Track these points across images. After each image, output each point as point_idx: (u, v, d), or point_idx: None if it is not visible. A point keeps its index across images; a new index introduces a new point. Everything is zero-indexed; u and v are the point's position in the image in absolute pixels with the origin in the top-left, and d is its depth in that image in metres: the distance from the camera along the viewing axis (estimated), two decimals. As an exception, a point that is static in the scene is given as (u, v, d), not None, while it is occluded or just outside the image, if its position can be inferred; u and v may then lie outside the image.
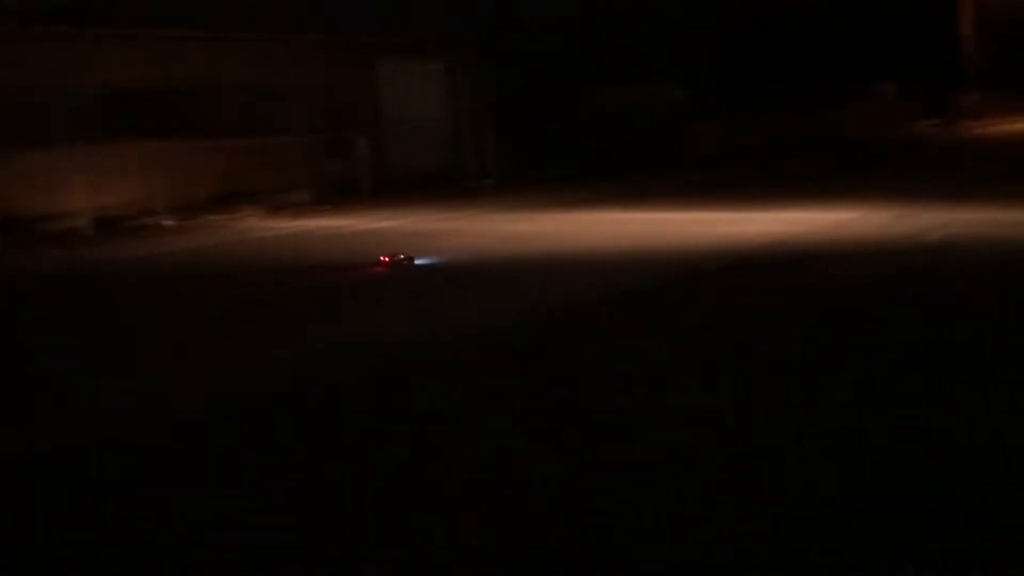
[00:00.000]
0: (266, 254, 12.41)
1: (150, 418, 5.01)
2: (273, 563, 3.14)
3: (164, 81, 18.88)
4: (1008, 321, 5.98)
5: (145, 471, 4.18)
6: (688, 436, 4.24)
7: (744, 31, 34.27)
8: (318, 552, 3.20)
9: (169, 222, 16.05)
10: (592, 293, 7.73)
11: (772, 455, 3.93)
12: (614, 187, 19.34)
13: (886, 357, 5.37)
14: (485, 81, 25.37)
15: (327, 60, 22.33)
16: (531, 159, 24.14)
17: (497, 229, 13.32)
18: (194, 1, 19.81)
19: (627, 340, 6.26)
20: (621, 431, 4.38)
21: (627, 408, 4.73)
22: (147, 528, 3.49)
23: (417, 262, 9.92)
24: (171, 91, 18.85)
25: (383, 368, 5.78)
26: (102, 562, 3.22)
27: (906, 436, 4.04)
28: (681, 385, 5.08)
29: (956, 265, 7.98)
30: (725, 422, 4.42)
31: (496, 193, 20.35)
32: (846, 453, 3.89)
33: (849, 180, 18.09)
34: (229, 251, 12.97)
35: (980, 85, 48.52)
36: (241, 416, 4.97)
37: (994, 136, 33.66)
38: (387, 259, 9.92)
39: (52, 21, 17.40)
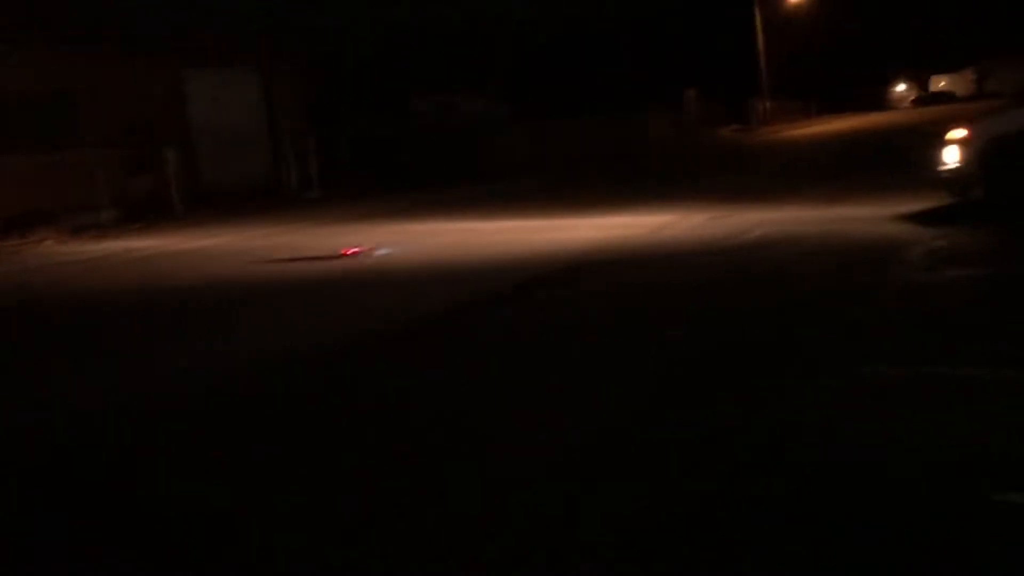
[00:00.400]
0: (66, 283, 11.58)
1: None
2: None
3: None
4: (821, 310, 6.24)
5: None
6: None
7: (555, 44, 35.04)
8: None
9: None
10: (419, 307, 7.57)
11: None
12: (438, 197, 19.28)
13: (718, 357, 5.46)
14: (303, 90, 24.81)
15: (130, 70, 21.20)
16: (354, 170, 23.77)
17: (321, 244, 12.96)
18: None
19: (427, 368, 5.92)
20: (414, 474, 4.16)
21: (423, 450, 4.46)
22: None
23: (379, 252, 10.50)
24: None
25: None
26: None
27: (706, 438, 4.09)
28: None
29: (778, 261, 8.28)
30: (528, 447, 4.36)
31: (320, 206, 19.89)
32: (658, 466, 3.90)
33: (661, 185, 18.71)
34: (24, 281, 12.07)
35: (772, 93, 51.52)
36: None
37: (788, 139, 35.78)
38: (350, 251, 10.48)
39: None
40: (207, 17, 22.25)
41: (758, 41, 50.01)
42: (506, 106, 30.35)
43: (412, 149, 26.06)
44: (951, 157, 9.60)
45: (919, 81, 74.13)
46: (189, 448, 4.56)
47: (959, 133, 9.62)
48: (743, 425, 4.14)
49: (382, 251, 10.78)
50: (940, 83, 73.64)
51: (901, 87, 76.03)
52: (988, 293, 6.40)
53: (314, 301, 8.51)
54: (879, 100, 68.96)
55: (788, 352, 5.29)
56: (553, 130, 29.05)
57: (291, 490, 3.91)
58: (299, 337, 6.81)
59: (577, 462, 3.97)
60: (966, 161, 9.44)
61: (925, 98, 68.94)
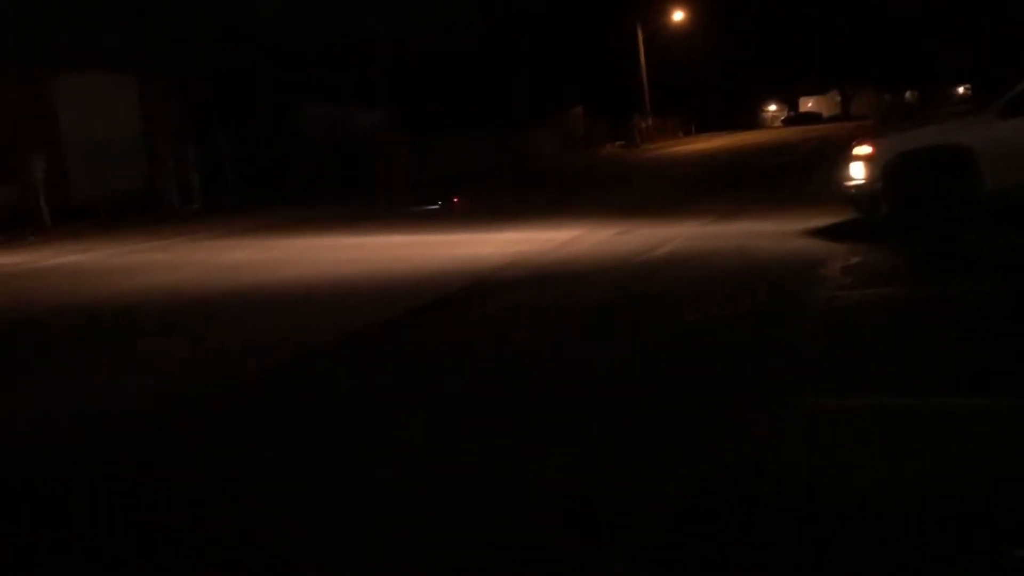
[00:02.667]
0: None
1: None
2: None
3: None
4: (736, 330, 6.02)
5: None
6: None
7: (445, 57, 34.73)
8: None
9: None
10: (308, 334, 7.04)
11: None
12: (326, 211, 18.64)
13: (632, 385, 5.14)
14: (184, 100, 23.74)
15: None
16: (239, 183, 22.85)
17: (204, 260, 12.23)
18: None
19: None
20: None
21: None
22: None
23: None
24: None
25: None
26: None
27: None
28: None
29: (694, 280, 8.07)
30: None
31: (201, 219, 18.97)
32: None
33: (555, 200, 18.56)
34: None
35: (654, 111, 52.48)
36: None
37: (673, 156, 36.35)
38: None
39: None
40: (79, 21, 21.07)
41: (640, 61, 50.83)
42: (396, 119, 29.82)
43: (300, 162, 25.28)
44: (857, 173, 9.63)
45: (788, 102, 77.07)
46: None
47: (864, 149, 9.66)
48: (699, 470, 3.78)
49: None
50: (808, 104, 76.79)
51: (772, 107, 78.94)
52: (915, 315, 6.28)
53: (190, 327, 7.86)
54: (752, 119, 71.33)
55: (728, 383, 4.96)
56: (445, 144, 28.70)
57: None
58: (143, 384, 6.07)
59: (509, 529, 3.57)
60: (871, 177, 9.48)
61: (794, 118, 71.68)
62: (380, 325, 7.08)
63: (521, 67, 39.12)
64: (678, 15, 54.42)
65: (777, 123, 72.53)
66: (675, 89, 57.12)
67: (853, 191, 9.73)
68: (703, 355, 5.57)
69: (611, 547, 3.16)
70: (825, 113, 71.47)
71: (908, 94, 60.15)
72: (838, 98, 72.52)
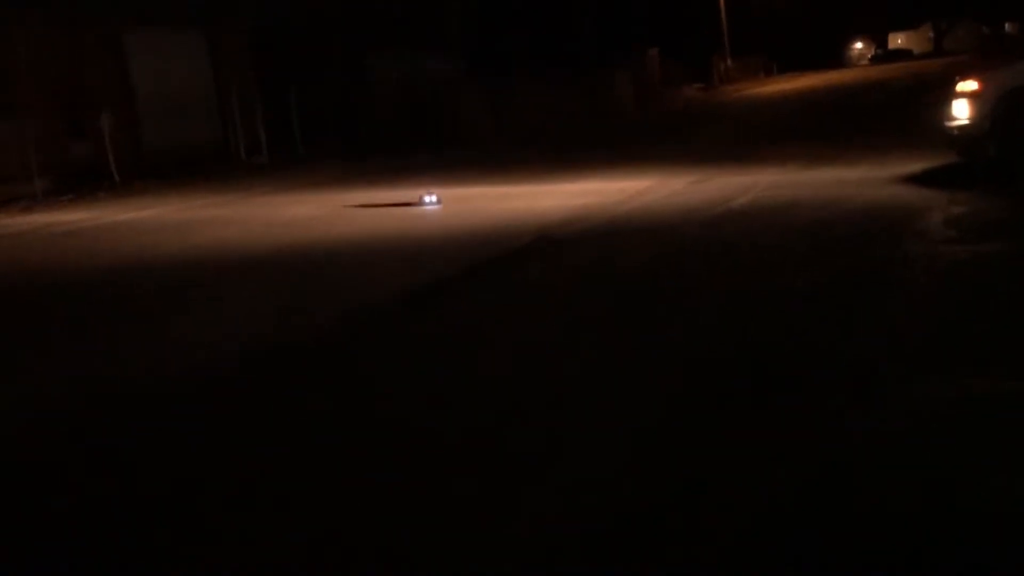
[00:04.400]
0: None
1: None
2: None
3: None
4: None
5: None
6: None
7: (514, 1, 33.81)
8: None
9: None
10: (377, 292, 6.58)
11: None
12: (394, 162, 18.17)
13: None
14: (252, 53, 23.42)
15: (65, 31, 19.72)
16: (305, 134, 22.51)
17: (271, 215, 11.88)
18: None
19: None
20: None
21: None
22: None
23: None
24: None
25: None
26: None
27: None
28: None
29: (775, 235, 7.36)
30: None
31: (269, 172, 18.68)
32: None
33: (631, 147, 17.75)
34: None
35: (737, 50, 50.70)
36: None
37: (754, 97, 34.91)
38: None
39: None
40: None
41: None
42: (465, 63, 29.08)
43: (368, 114, 24.81)
44: (961, 112, 8.72)
45: (876, 39, 73.70)
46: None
47: (970, 86, 8.73)
48: (781, 482, 3.18)
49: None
50: (897, 40, 73.34)
51: (859, 45, 75.63)
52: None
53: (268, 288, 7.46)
54: (838, 58, 68.44)
55: (816, 367, 4.27)
56: (515, 90, 27.88)
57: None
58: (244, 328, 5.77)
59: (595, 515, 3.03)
60: (978, 117, 8.56)
61: (883, 55, 68.56)
62: (443, 281, 6.61)
63: (592, 8, 37.93)
64: (760, -51, 52.22)
65: (864, 61, 69.52)
66: (756, 28, 55.10)
67: (956, 132, 8.82)
68: (784, 329, 4.89)
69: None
70: (916, 50, 68.24)
71: (1008, 26, 56.96)
72: (930, 33, 69.17)
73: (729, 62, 50.18)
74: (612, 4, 39.60)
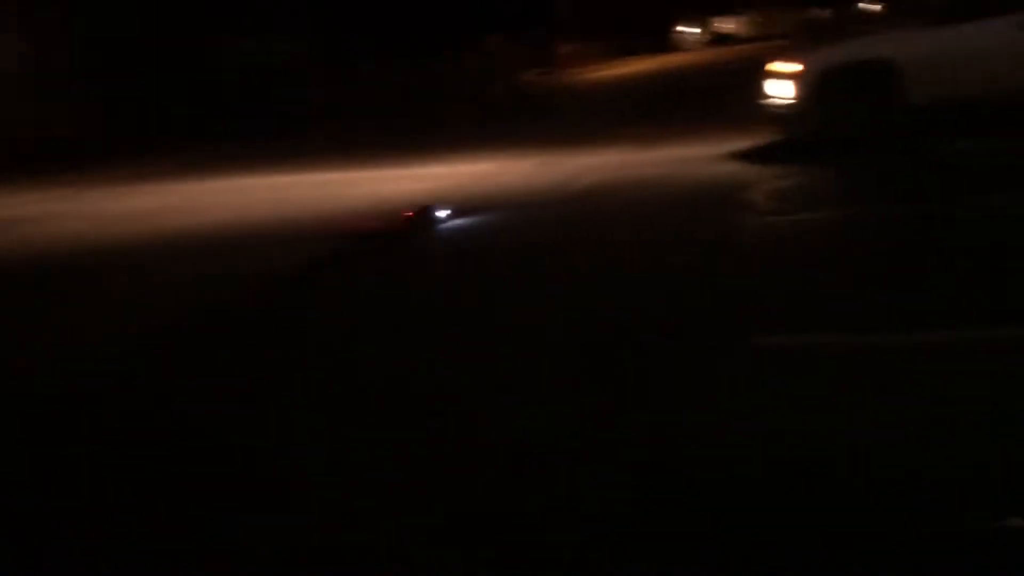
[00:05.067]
0: None
1: None
2: None
3: None
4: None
5: None
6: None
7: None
8: None
9: None
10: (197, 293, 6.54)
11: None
12: (235, 149, 17.79)
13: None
14: (77, 32, 22.28)
15: None
16: (140, 119, 21.67)
17: (104, 209, 11.48)
18: None
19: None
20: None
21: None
22: None
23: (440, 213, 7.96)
24: None
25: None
26: None
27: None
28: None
29: (623, 211, 7.71)
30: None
31: (102, 161, 17.95)
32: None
33: (477, 131, 17.96)
34: None
35: (576, 34, 51.65)
36: None
37: (595, 81, 35.72)
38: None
39: None
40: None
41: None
42: (313, 47, 28.59)
43: (213, 96, 24.10)
44: (781, 91, 9.29)
45: (703, 22, 76.56)
46: None
47: (789, 66, 9.31)
48: (641, 423, 3.46)
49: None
50: (726, 24, 76.38)
51: (691, 28, 78.41)
52: (847, 239, 6.01)
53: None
54: (673, 41, 70.74)
55: (669, 322, 4.63)
56: (362, 75, 27.65)
57: None
58: None
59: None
60: (800, 95, 9.15)
61: (714, 39, 71.23)
62: (285, 274, 6.61)
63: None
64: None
65: (697, 45, 72.13)
66: (596, 13, 56.30)
67: (778, 110, 9.40)
68: (633, 295, 5.22)
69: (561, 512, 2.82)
70: (743, 33, 71.21)
71: (820, 11, 60.17)
72: (758, 17, 72.35)
73: (570, 46, 51.10)
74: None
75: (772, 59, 9.72)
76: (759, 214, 6.82)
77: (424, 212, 7.91)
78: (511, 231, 7.40)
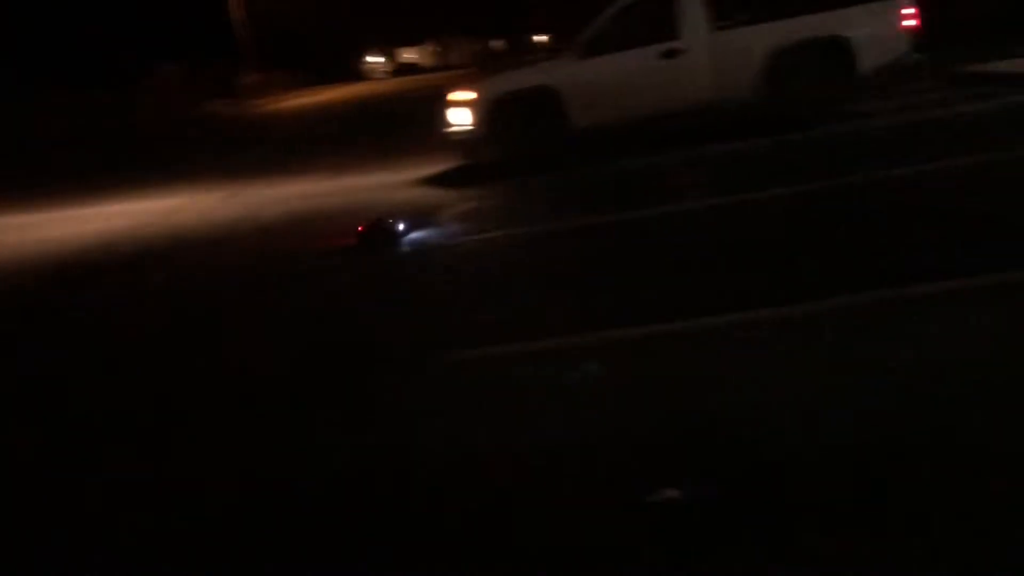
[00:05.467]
0: None
1: None
2: None
3: None
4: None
5: None
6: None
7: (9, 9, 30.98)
8: None
9: None
10: None
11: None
12: None
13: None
14: None
15: None
16: None
17: None
18: None
19: None
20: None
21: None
22: None
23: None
24: None
25: None
26: None
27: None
28: None
29: (316, 237, 7.76)
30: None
31: None
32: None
33: (157, 165, 17.25)
34: None
35: (259, 64, 50.79)
36: None
37: (281, 111, 35.35)
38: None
39: None
40: None
41: (234, 11, 48.81)
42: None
43: None
44: (459, 118, 9.76)
45: (391, 53, 78.00)
46: None
47: (465, 95, 9.80)
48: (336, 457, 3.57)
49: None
50: (409, 55, 78.18)
51: (377, 58, 79.44)
52: (534, 253, 6.44)
53: None
54: (359, 72, 71.35)
55: (364, 348, 4.80)
56: (22, 110, 25.60)
57: None
58: None
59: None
60: (477, 122, 9.65)
61: (398, 69, 72.70)
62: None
63: (104, 22, 35.94)
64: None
65: (382, 74, 73.23)
66: (281, 43, 55.70)
67: (459, 137, 9.87)
68: (327, 324, 5.33)
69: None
70: (426, 63, 73.26)
71: (496, 43, 63.39)
72: (436, 48, 74.70)
73: (255, 77, 50.13)
74: (127, 19, 37.80)
75: (451, 88, 10.18)
76: (446, 236, 7.14)
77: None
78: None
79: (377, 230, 7.04)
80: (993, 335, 3.76)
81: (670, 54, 9.54)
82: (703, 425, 3.36)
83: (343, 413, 3.91)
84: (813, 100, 9.74)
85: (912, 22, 9.67)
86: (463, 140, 9.86)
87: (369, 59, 74.54)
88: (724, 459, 3.11)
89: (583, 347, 4.25)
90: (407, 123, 20.40)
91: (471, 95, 9.77)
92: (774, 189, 6.89)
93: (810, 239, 5.53)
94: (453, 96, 9.85)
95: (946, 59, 12.97)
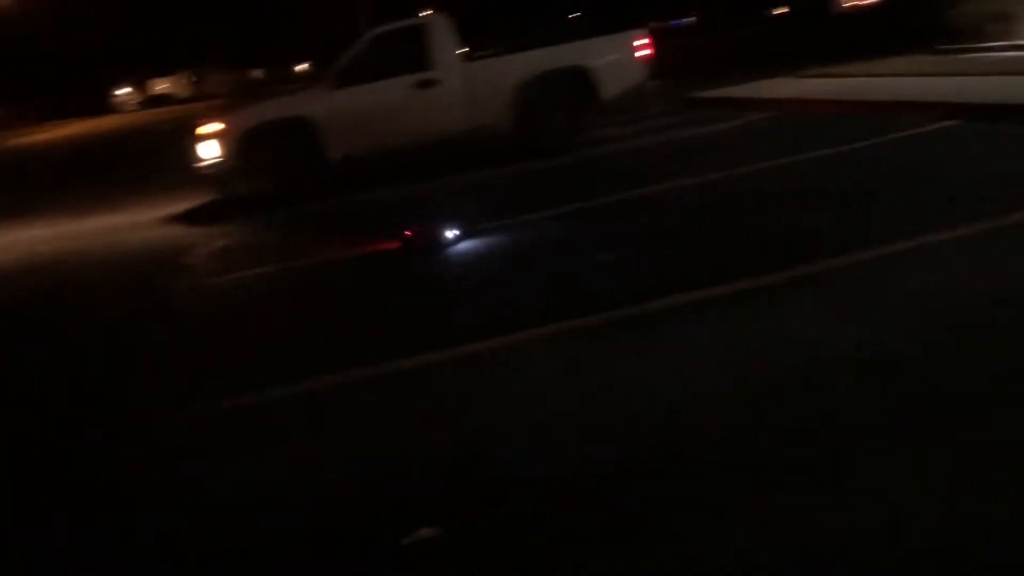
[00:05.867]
0: None
1: None
2: None
3: None
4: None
5: None
6: None
7: None
8: None
9: None
10: None
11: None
12: None
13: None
14: None
15: None
16: None
17: None
18: None
19: None
20: None
21: None
22: None
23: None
24: None
25: None
26: None
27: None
28: None
29: (71, 288, 7.25)
30: None
31: None
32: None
33: None
34: None
35: (3, 97, 47.19)
36: None
37: (27, 146, 32.92)
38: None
39: None
40: None
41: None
42: None
43: None
44: (210, 152, 9.43)
45: (142, 85, 74.42)
46: None
47: (215, 127, 9.48)
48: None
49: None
50: (161, 86, 74.88)
51: (125, 90, 75.48)
52: (287, 292, 6.30)
53: None
54: (105, 104, 67.59)
55: (114, 399, 4.53)
56: None
57: None
58: None
59: None
60: (227, 154, 9.36)
61: (149, 100, 69.52)
62: None
63: None
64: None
65: (131, 107, 69.78)
66: (13, 77, 51.97)
67: (210, 171, 9.52)
68: (88, 376, 5.01)
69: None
70: (181, 94, 70.49)
71: (255, 72, 62.08)
72: (191, 79, 72.07)
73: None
74: None
75: (202, 121, 9.83)
76: (200, 276, 6.87)
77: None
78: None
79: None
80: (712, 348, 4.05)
81: (424, 84, 9.64)
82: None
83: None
84: (558, 129, 10.14)
85: (646, 51, 10.28)
86: (214, 174, 9.52)
87: (118, 92, 70.87)
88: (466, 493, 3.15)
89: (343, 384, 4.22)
90: (156, 157, 19.54)
91: (221, 127, 9.47)
92: (519, 216, 7.10)
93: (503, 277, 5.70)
94: (202, 129, 9.50)
95: (680, 86, 13.90)
